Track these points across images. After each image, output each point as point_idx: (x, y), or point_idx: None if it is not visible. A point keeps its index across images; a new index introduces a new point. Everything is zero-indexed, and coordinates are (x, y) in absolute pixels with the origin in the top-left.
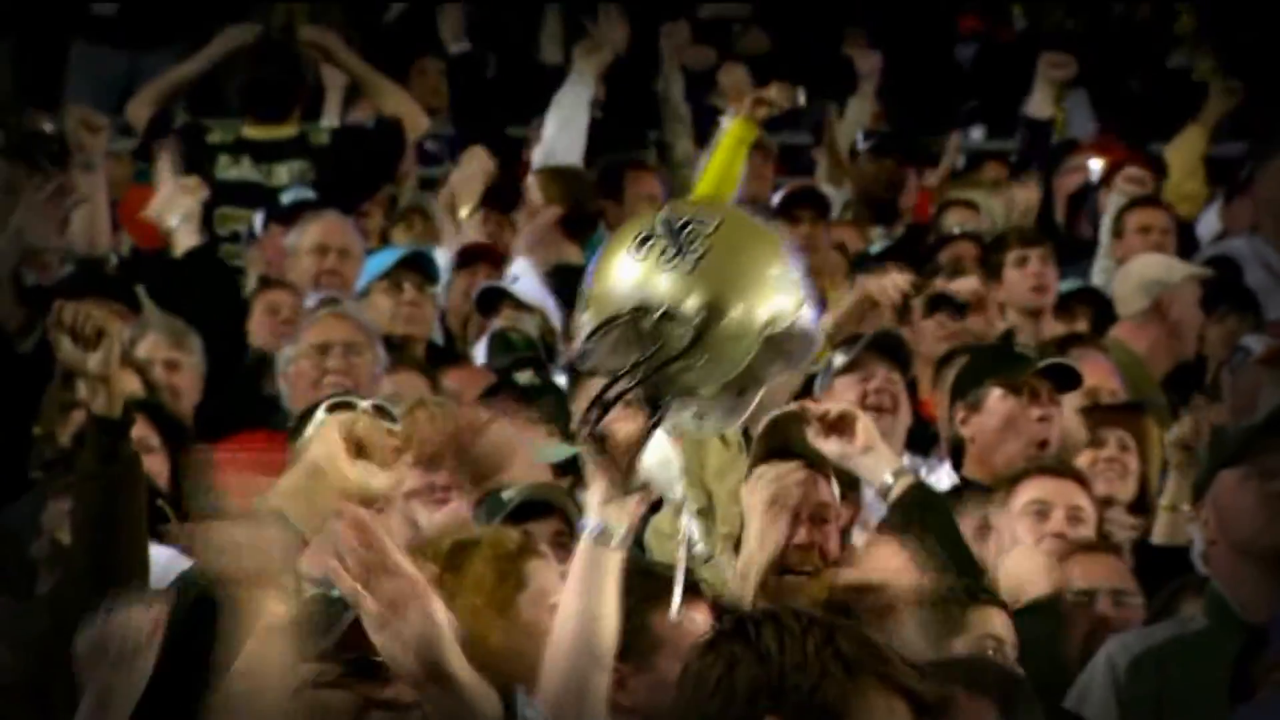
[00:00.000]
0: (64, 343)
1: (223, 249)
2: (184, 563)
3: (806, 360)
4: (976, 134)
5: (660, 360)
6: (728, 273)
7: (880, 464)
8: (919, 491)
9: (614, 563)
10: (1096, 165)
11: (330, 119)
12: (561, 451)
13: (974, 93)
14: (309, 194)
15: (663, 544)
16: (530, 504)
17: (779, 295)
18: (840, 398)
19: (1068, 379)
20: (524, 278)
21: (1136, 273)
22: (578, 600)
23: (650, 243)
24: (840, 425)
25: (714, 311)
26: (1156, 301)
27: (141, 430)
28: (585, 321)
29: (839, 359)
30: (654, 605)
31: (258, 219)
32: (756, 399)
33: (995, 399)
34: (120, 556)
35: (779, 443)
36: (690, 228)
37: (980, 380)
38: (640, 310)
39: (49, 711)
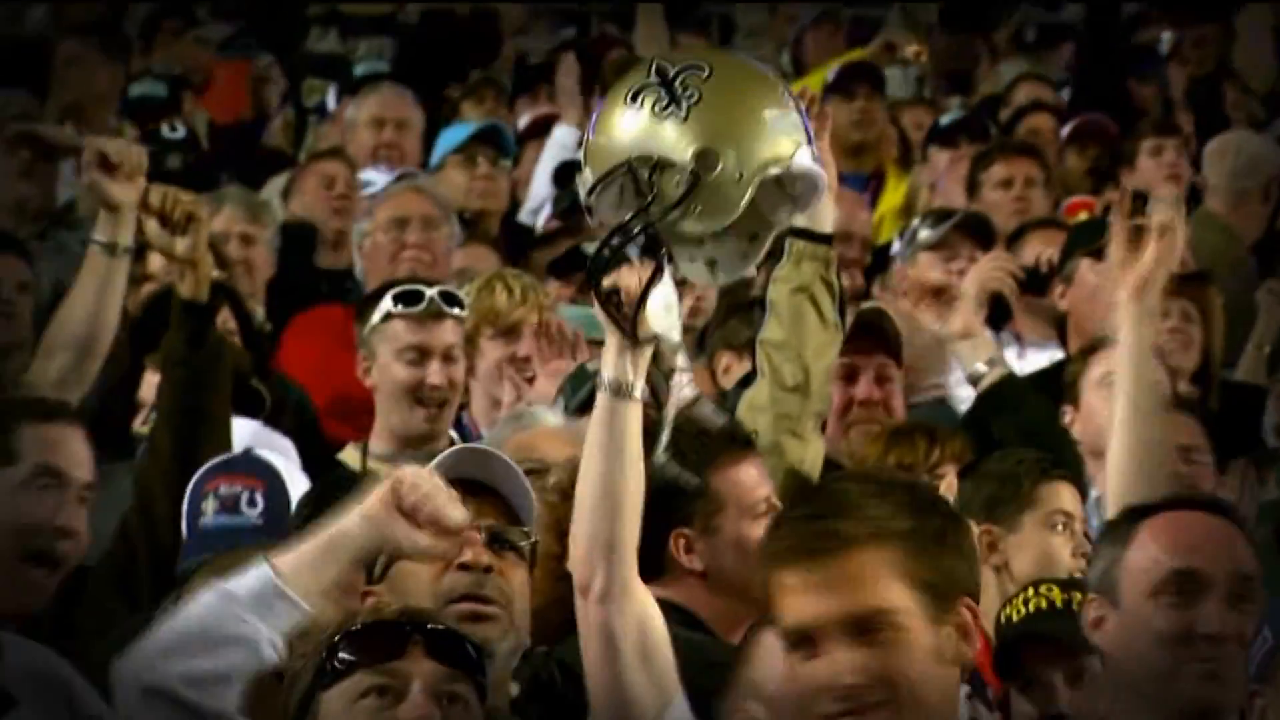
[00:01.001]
0: (151, 226)
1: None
2: (266, 434)
3: (815, 202)
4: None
5: (658, 211)
6: (720, 119)
7: (977, 350)
8: (1010, 384)
9: (633, 414)
10: (1166, 36)
11: None
12: (579, 313)
13: None
14: (382, 66)
15: (755, 417)
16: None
17: (774, 138)
18: (924, 274)
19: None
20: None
21: (1237, 148)
22: (600, 454)
23: (644, 93)
24: (940, 295)
25: (708, 158)
26: (1265, 185)
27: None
28: (586, 176)
29: (924, 234)
30: (715, 467)
31: (331, 92)
32: (768, 244)
33: (1085, 268)
34: (204, 440)
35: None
36: (683, 76)
37: (1071, 254)
38: (636, 161)
39: (133, 590)
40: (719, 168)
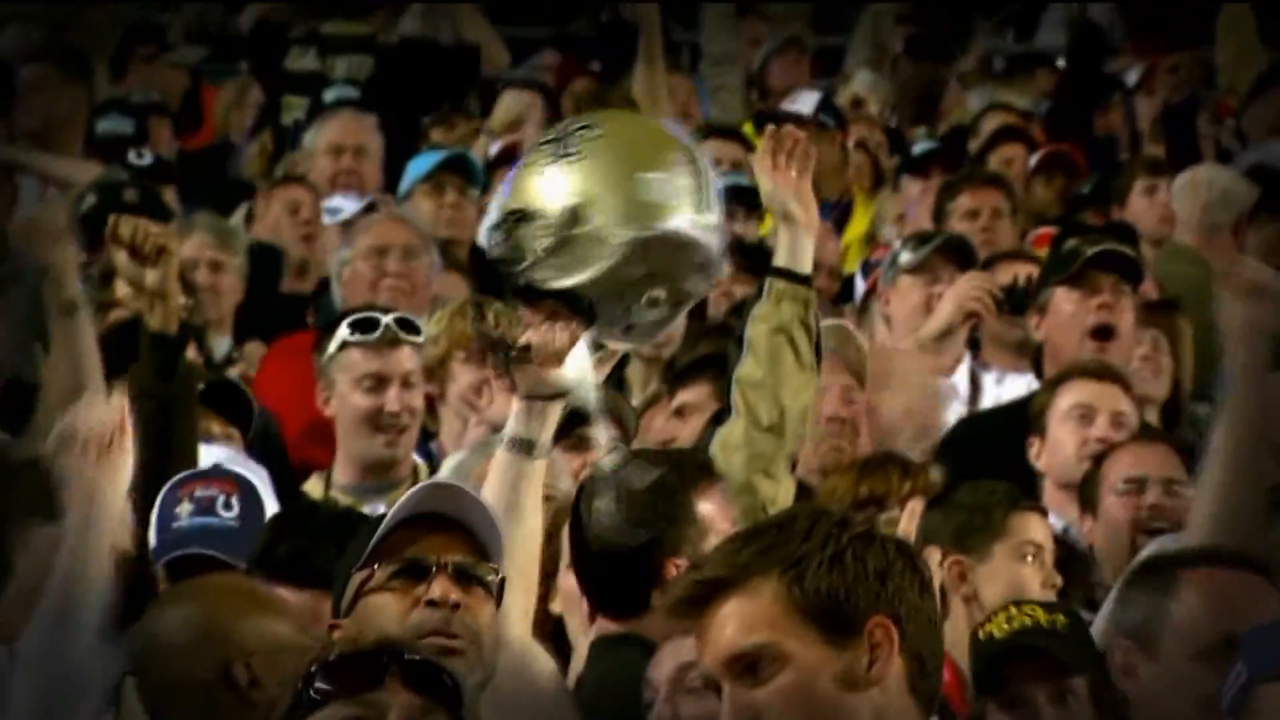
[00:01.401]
0: (120, 257)
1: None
2: (242, 460)
3: (717, 269)
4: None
5: (522, 262)
6: (596, 178)
7: None
8: None
9: (535, 472)
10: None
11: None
12: None
13: None
14: (352, 93)
15: (728, 455)
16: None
17: (650, 202)
18: (905, 297)
19: (1129, 267)
20: None
21: (1209, 182)
22: (498, 509)
23: (541, 148)
24: None
25: (575, 214)
26: (1236, 219)
27: None
28: (485, 221)
29: (906, 257)
30: (697, 493)
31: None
32: (683, 313)
33: (1059, 297)
34: (173, 471)
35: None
36: (575, 134)
37: (1045, 283)
38: (513, 213)
39: None
40: (586, 225)
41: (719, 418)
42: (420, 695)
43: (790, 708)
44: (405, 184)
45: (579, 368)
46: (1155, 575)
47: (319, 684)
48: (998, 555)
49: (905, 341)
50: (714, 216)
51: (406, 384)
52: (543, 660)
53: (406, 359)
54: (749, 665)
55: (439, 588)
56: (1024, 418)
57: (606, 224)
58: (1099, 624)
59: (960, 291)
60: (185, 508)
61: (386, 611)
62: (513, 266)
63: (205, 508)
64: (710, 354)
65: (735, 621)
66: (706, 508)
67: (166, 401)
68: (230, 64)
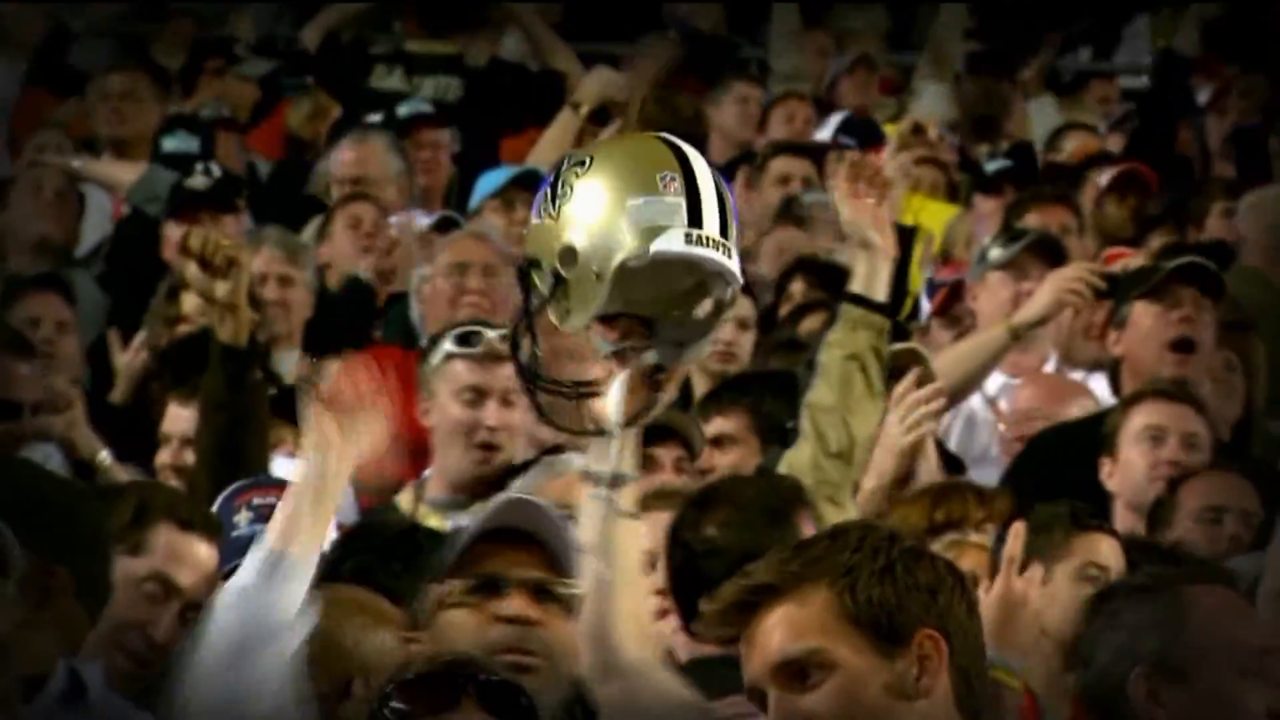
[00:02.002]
0: (191, 268)
1: None
2: None
3: (731, 285)
4: (1084, 54)
5: (533, 308)
6: (582, 214)
7: None
8: None
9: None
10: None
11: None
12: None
13: (1081, 11)
14: (426, 107)
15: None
16: (653, 427)
17: (634, 229)
18: (994, 293)
19: (1211, 281)
20: None
21: (1276, 201)
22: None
23: (545, 188)
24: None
25: (567, 256)
26: None
27: None
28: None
29: (995, 253)
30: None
31: None
32: (716, 325)
33: (1139, 312)
34: None
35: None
36: (564, 172)
37: (1125, 298)
38: (522, 261)
39: None
40: (578, 264)
41: (781, 438)
42: (496, 716)
43: (839, 714)
44: (476, 199)
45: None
46: (1156, 597)
47: (394, 704)
48: (1059, 577)
49: (997, 330)
50: (712, 227)
51: (506, 400)
52: (667, 682)
53: (508, 375)
54: (797, 671)
55: (515, 604)
56: (1099, 433)
57: (596, 259)
58: (1101, 656)
59: (1060, 279)
60: (244, 516)
61: (462, 626)
62: (533, 311)
63: (264, 515)
64: (741, 377)
65: (785, 628)
66: (804, 531)
67: (237, 414)
68: (299, 77)
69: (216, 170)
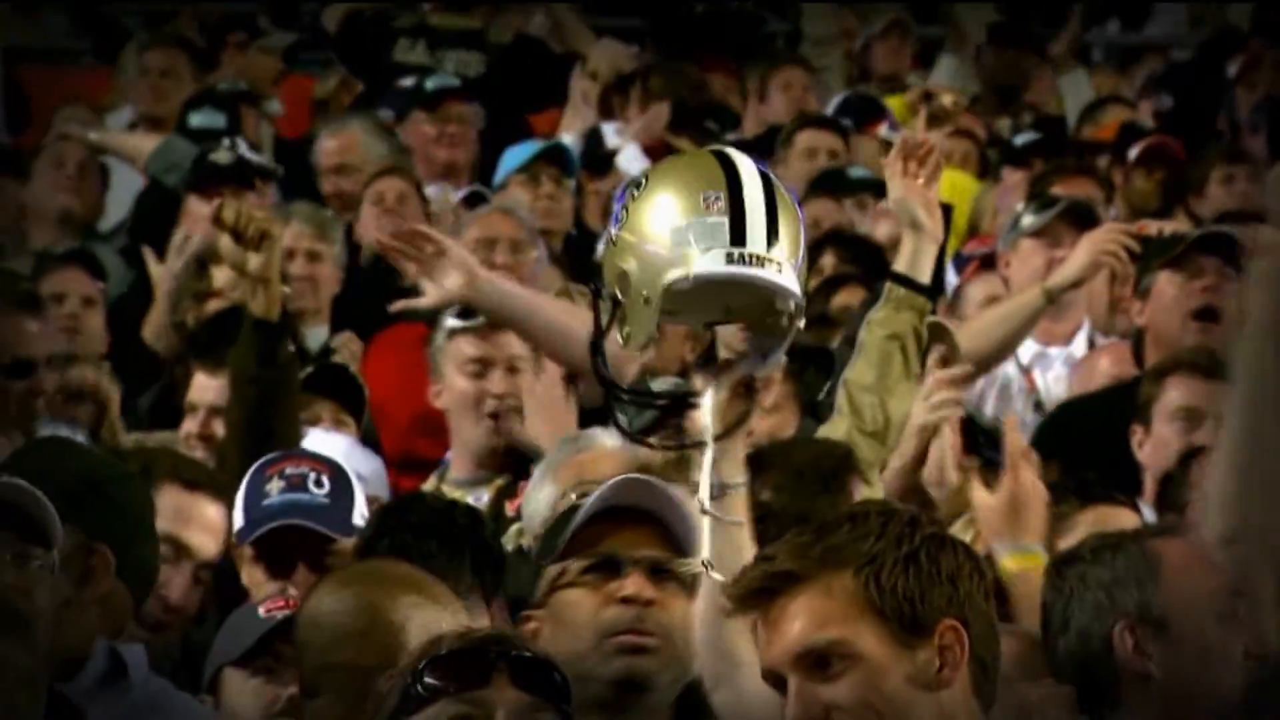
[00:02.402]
0: (225, 241)
1: None
2: (360, 453)
3: (783, 290)
4: (1113, 28)
5: (599, 336)
6: (633, 239)
7: None
8: None
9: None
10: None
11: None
12: None
13: None
14: (454, 81)
15: None
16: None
17: (678, 251)
18: (1026, 260)
19: (1231, 249)
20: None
21: None
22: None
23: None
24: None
25: (624, 282)
26: None
27: None
28: None
29: (1028, 220)
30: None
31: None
32: (780, 351)
33: (1163, 281)
34: None
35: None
36: (626, 192)
37: (1148, 267)
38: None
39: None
40: (631, 290)
41: (814, 411)
42: (528, 693)
43: (861, 705)
44: (501, 174)
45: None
46: (1124, 552)
47: (427, 679)
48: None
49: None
50: (757, 243)
51: (512, 368)
52: None
53: (511, 343)
54: (819, 660)
55: (632, 584)
56: (1128, 403)
57: (645, 283)
58: (1078, 619)
59: (1095, 240)
60: (275, 485)
61: (579, 607)
62: (602, 333)
63: (296, 484)
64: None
65: (807, 616)
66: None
67: (269, 387)
68: (323, 52)
69: (242, 146)
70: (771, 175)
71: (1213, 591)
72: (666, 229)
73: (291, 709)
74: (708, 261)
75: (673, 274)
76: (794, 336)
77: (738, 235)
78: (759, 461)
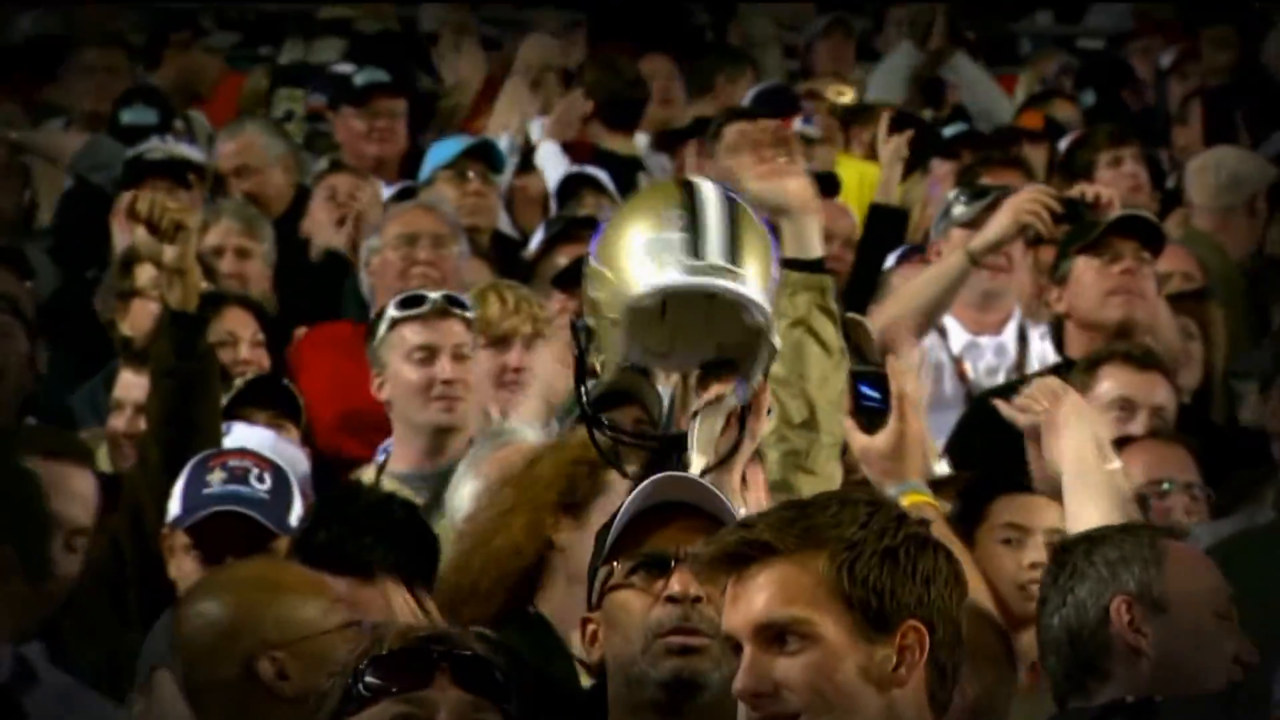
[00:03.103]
0: (140, 233)
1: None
2: (283, 445)
3: (748, 298)
4: (1044, 19)
5: (580, 368)
6: (599, 268)
7: None
8: None
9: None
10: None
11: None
12: None
13: None
14: (382, 76)
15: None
16: (612, 393)
17: (635, 274)
18: (956, 247)
19: (1151, 234)
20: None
21: (1217, 165)
22: None
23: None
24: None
25: (595, 309)
26: (1250, 201)
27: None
28: None
29: (959, 210)
30: None
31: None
32: (757, 368)
33: (1081, 266)
34: (194, 451)
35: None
36: (601, 226)
37: (1065, 254)
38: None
39: (121, 601)
40: (598, 313)
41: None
42: (471, 693)
43: (809, 687)
44: (427, 169)
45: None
46: (1135, 537)
47: (368, 678)
48: (980, 542)
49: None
50: (716, 255)
51: (458, 355)
52: None
53: (457, 330)
54: (777, 635)
55: (678, 581)
56: None
57: (613, 307)
58: (1078, 592)
59: (1017, 202)
60: (218, 475)
61: (628, 608)
62: (583, 364)
63: (239, 477)
64: None
65: (775, 589)
66: None
67: (187, 380)
68: (256, 53)
69: (173, 143)
70: (739, 200)
71: (1214, 590)
72: (629, 251)
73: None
74: (666, 274)
75: (634, 291)
76: (770, 356)
77: (697, 248)
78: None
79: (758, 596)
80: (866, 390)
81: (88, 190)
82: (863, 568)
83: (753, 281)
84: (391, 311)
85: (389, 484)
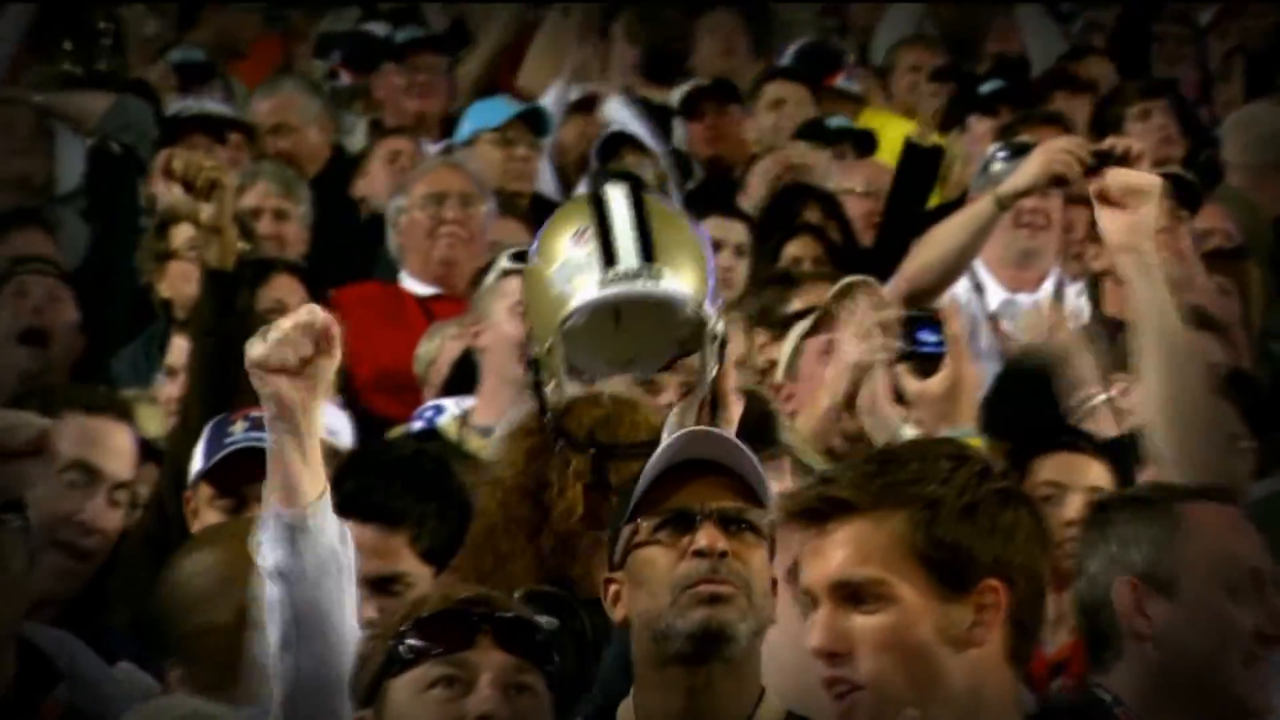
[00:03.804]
0: (175, 191)
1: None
2: (330, 409)
3: (675, 304)
4: None
5: (540, 397)
6: (527, 299)
7: None
8: None
9: None
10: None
11: None
12: None
13: None
14: (423, 32)
15: None
16: None
17: (558, 298)
18: None
19: (1184, 189)
20: (622, 116)
21: (1252, 122)
22: None
23: None
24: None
25: (528, 339)
26: None
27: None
28: None
29: (998, 166)
30: None
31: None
32: (712, 356)
33: None
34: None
35: None
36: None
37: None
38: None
39: (165, 560)
40: (537, 345)
41: None
42: (513, 654)
43: (884, 648)
44: (468, 129)
45: None
46: (1151, 510)
47: (410, 640)
48: None
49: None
50: (629, 259)
51: None
52: None
53: None
54: (853, 593)
55: (705, 536)
56: None
57: (545, 335)
58: (1091, 566)
59: (1048, 149)
60: (240, 426)
61: (654, 564)
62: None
63: (259, 424)
64: None
65: (852, 547)
66: None
67: (225, 339)
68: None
69: (207, 101)
70: (649, 196)
71: (1231, 562)
72: (544, 280)
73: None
74: (584, 292)
75: (560, 315)
76: (716, 340)
77: (609, 258)
78: None
79: (835, 554)
80: (924, 335)
81: (114, 151)
82: (940, 527)
83: (674, 275)
84: (504, 262)
85: (473, 437)
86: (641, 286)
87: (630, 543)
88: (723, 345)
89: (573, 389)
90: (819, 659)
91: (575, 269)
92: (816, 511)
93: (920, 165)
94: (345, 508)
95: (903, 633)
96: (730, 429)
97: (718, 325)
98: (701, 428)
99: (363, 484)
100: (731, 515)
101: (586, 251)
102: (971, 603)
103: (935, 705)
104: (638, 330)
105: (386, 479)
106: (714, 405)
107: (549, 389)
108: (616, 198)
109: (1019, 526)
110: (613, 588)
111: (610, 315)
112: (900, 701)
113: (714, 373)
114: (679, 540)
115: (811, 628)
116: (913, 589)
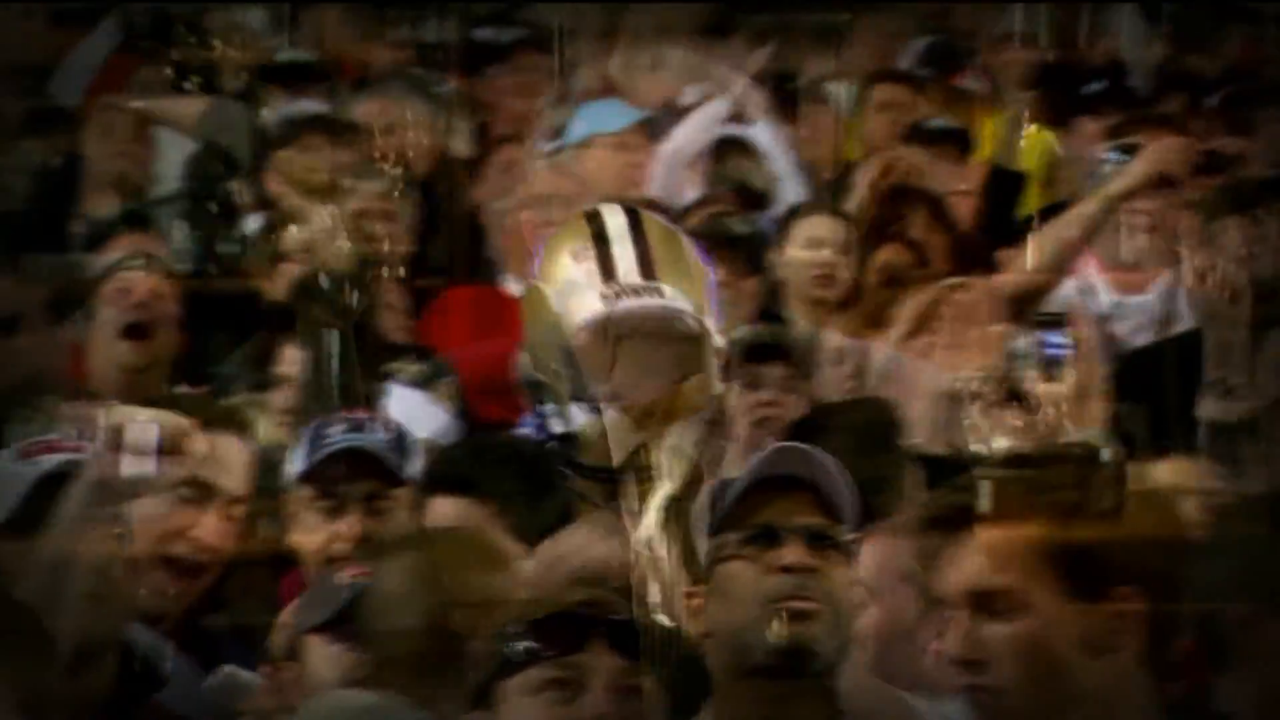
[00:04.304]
0: (290, 194)
1: None
2: (430, 407)
3: (674, 318)
4: None
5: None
6: (534, 322)
7: None
8: None
9: None
10: None
11: None
12: None
13: None
14: (526, 32)
15: None
16: (759, 346)
17: (560, 324)
18: None
19: None
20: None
21: None
22: None
23: None
24: None
25: (538, 365)
26: None
27: None
28: None
29: (1109, 170)
30: None
31: None
32: (711, 356)
33: (1226, 229)
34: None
35: None
36: None
37: (1214, 215)
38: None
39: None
40: (546, 369)
41: None
42: (625, 658)
43: (1021, 657)
44: (584, 130)
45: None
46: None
47: (523, 643)
48: None
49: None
50: (629, 275)
51: None
52: None
53: None
54: (988, 601)
55: (791, 553)
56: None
57: (553, 358)
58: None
59: (1158, 147)
60: (338, 427)
61: (739, 579)
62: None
63: (358, 426)
64: None
65: (988, 555)
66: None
67: (341, 338)
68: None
69: (308, 103)
70: (641, 212)
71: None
72: (548, 303)
73: (374, 675)
74: (583, 310)
75: (565, 338)
76: (718, 356)
77: (607, 274)
78: (812, 427)
79: (970, 562)
80: (1051, 338)
81: (216, 152)
82: (1074, 535)
83: (674, 289)
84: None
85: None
86: (644, 301)
87: (715, 556)
88: (726, 364)
89: (579, 416)
90: (954, 667)
91: (578, 285)
92: (951, 520)
93: (1005, 188)
94: (437, 483)
95: (1040, 642)
96: (737, 446)
97: (716, 336)
98: (790, 444)
99: (454, 458)
100: (817, 532)
101: (585, 270)
102: (1108, 610)
103: (1072, 711)
104: (640, 352)
105: (480, 456)
106: (714, 424)
107: (558, 413)
108: (613, 214)
109: (1151, 531)
110: (694, 601)
111: (611, 339)
112: (1037, 708)
113: (719, 390)
114: (764, 556)
115: (948, 636)
116: (1049, 597)
